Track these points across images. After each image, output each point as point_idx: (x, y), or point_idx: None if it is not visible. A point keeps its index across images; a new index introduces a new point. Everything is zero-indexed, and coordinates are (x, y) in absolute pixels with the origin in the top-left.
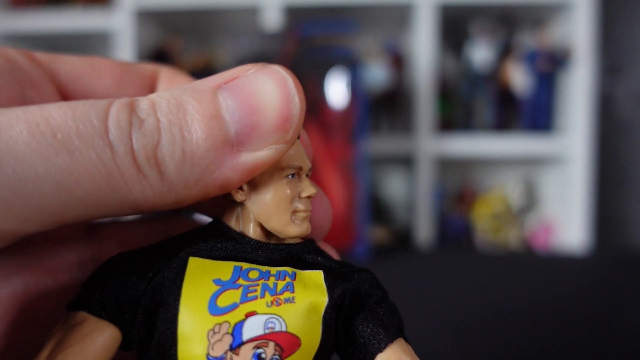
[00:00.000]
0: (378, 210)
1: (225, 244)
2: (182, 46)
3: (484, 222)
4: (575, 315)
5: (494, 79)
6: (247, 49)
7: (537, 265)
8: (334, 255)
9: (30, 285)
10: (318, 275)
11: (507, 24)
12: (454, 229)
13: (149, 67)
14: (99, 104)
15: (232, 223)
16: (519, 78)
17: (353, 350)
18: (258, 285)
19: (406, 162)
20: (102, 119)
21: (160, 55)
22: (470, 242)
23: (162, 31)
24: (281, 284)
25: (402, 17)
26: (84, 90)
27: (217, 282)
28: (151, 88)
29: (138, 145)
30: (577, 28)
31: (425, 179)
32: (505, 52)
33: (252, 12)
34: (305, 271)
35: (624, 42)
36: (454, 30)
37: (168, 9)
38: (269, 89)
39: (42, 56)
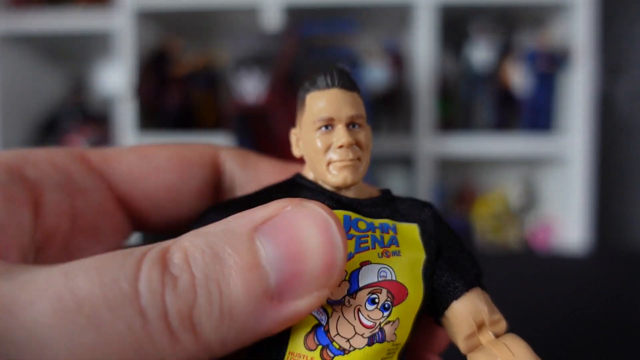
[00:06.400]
0: None
1: (322, 197)
2: (182, 46)
3: (484, 222)
4: (575, 315)
5: (493, 79)
6: (247, 49)
7: (537, 265)
8: None
9: None
10: (414, 231)
11: (507, 24)
12: (454, 229)
13: (208, 150)
14: (129, 263)
15: (310, 177)
16: (519, 78)
17: (431, 296)
18: (368, 236)
19: (406, 162)
20: (132, 283)
21: (160, 56)
22: (470, 242)
23: (162, 31)
24: (387, 237)
25: (402, 17)
26: (142, 190)
27: None
28: (215, 175)
29: (172, 308)
30: (577, 28)
31: (425, 179)
32: (505, 52)
33: (252, 12)
34: (403, 224)
35: (624, 42)
36: (454, 30)
37: (168, 9)
38: (312, 234)
39: (95, 157)
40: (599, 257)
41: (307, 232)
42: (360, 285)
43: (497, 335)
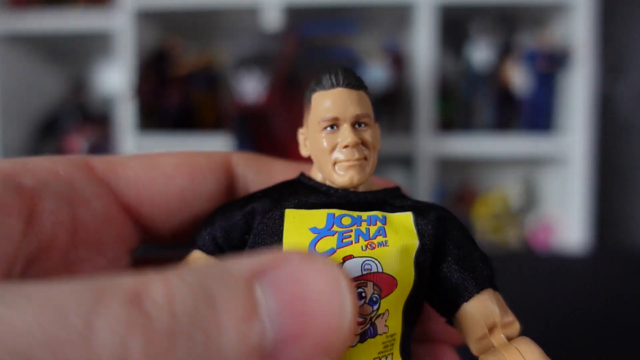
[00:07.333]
0: None
1: (315, 195)
2: (182, 46)
3: (483, 222)
4: (575, 315)
5: (493, 79)
6: (247, 49)
7: (536, 265)
8: None
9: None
10: (407, 218)
11: (507, 24)
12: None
13: (219, 156)
14: (88, 292)
15: (319, 177)
16: (519, 78)
17: (440, 296)
18: (352, 231)
19: (406, 162)
20: (87, 317)
21: (160, 56)
22: None
23: (162, 31)
24: (373, 229)
25: (402, 17)
26: (150, 197)
27: (313, 230)
28: (228, 180)
29: (136, 354)
30: (577, 28)
31: (425, 179)
32: (505, 52)
33: (252, 12)
34: (395, 214)
35: (624, 42)
36: (454, 30)
37: (168, 9)
38: (319, 292)
39: (100, 164)
40: (599, 257)
41: (315, 290)
42: None
43: (509, 338)
